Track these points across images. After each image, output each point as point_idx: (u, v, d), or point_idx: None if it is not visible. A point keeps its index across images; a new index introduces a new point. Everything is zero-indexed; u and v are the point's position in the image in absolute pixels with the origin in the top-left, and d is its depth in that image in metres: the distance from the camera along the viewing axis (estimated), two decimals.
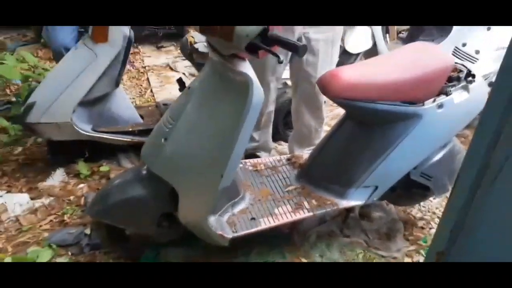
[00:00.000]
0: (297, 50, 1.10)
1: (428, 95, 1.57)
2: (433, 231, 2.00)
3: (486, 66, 2.63)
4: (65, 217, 1.95)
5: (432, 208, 2.17)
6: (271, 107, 2.20)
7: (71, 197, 2.08)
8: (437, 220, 2.07)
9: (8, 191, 2.13)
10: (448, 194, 2.04)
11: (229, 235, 1.48)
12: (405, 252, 1.85)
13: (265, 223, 1.57)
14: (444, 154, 1.77)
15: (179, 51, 4.18)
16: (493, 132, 0.73)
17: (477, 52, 2.67)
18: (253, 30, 1.10)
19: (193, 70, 3.58)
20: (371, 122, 1.66)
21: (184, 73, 3.71)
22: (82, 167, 2.23)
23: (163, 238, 1.69)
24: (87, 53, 2.02)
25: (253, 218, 1.58)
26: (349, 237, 1.89)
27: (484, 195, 0.78)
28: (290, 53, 1.91)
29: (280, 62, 1.17)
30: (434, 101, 1.58)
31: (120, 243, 1.70)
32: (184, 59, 3.42)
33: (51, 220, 1.95)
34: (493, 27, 2.69)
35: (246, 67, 1.27)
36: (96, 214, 1.56)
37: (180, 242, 1.72)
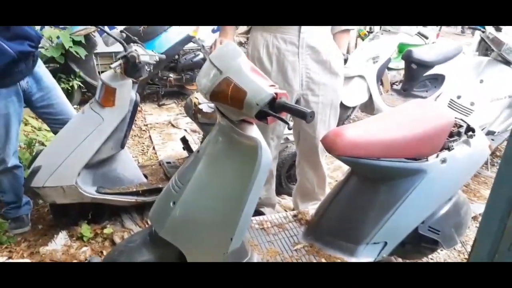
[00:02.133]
0: (305, 116, 1.13)
1: (431, 151, 1.60)
2: None
3: (482, 117, 2.70)
4: None
5: (440, 260, 2.13)
6: (273, 164, 2.23)
7: (74, 262, 2.04)
8: None
9: (9, 257, 2.08)
10: (456, 246, 2.03)
11: None
12: None
13: None
14: (450, 207, 1.77)
15: (180, 108, 4.27)
16: (508, 196, 0.75)
17: (472, 104, 2.75)
18: (262, 98, 1.13)
19: (194, 126, 3.63)
20: (376, 178, 1.67)
21: (186, 130, 3.76)
22: (85, 229, 2.20)
23: None
24: (94, 117, 2.05)
25: None
26: None
27: (501, 261, 0.78)
28: None
29: (290, 129, 1.21)
30: (437, 156, 1.61)
31: None
32: (185, 116, 3.47)
33: None
34: (485, 80, 2.79)
35: (254, 131, 1.30)
36: None
37: None
